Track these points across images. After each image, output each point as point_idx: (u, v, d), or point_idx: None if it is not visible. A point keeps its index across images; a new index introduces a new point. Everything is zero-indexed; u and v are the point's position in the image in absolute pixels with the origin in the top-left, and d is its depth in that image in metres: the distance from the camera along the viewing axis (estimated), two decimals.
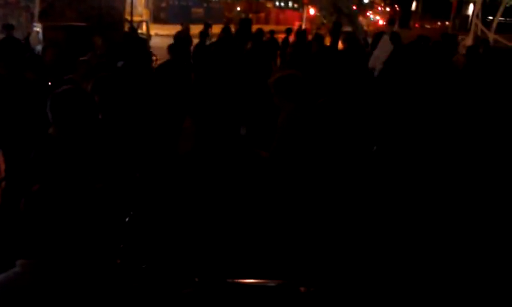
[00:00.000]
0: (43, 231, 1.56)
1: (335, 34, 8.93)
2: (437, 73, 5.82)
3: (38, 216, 1.57)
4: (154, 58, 13.40)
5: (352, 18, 20.88)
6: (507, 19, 27.94)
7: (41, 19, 10.49)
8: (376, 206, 4.43)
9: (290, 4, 60.42)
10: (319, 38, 8.91)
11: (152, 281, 2.00)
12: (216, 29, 12.10)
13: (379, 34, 9.65)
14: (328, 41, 9.40)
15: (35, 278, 1.51)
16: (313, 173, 3.75)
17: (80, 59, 5.43)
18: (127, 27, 13.07)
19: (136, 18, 17.10)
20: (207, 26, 11.51)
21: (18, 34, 10.06)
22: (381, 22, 43.19)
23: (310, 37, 13.73)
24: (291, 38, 13.55)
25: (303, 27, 23.28)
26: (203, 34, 10.72)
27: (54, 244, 1.57)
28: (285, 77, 3.86)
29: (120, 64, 5.66)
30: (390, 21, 10.49)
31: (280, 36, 14.37)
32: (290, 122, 3.77)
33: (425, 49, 8.28)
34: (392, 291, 3.24)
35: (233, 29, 10.97)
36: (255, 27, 10.94)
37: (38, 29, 10.12)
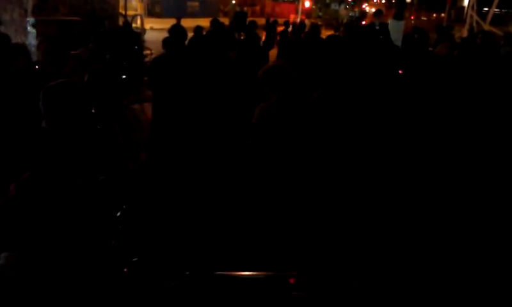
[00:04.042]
0: (29, 222, 1.54)
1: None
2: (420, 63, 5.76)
3: (26, 204, 1.54)
4: (149, 52, 13.37)
5: None
6: (503, 10, 27.90)
7: (35, 14, 10.42)
8: (375, 201, 4.40)
9: None
10: (315, 28, 8.96)
11: (141, 274, 1.99)
12: None
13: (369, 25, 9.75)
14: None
15: (18, 271, 1.50)
16: (296, 166, 3.73)
17: (71, 52, 5.39)
18: (121, 21, 12.98)
19: (130, 12, 17.01)
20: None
21: (11, 30, 9.96)
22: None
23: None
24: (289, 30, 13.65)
25: (298, 19, 23.24)
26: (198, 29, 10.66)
27: (39, 236, 1.55)
28: (271, 68, 3.88)
29: (107, 56, 5.60)
30: (377, 12, 10.56)
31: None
32: (269, 112, 3.76)
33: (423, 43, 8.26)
34: (385, 283, 3.23)
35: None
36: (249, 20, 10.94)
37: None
